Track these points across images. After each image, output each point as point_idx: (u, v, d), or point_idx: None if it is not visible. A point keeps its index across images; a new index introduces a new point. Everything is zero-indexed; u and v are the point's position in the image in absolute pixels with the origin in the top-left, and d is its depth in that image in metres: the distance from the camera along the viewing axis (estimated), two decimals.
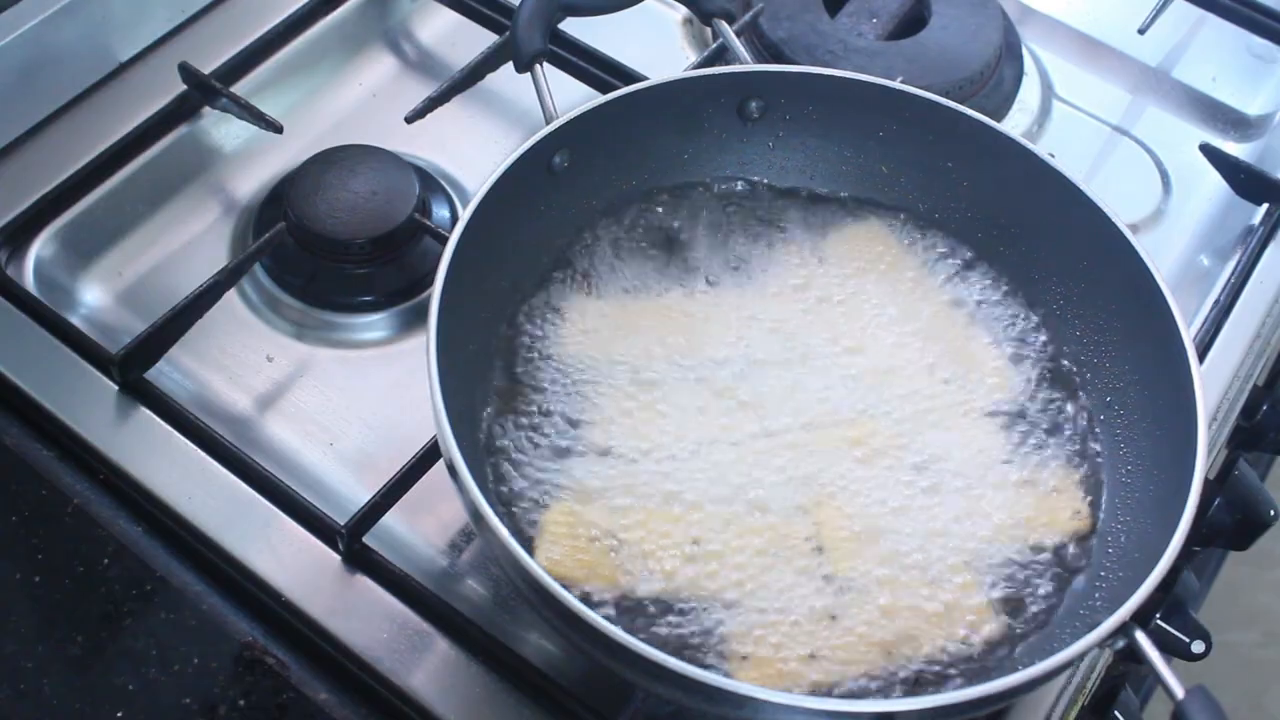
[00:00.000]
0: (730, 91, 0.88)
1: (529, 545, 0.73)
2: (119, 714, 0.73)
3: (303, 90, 1.05)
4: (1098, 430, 0.82)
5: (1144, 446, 0.79)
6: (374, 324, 0.93)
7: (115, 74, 1.02)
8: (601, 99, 0.84)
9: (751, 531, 0.75)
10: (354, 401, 0.88)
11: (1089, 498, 0.79)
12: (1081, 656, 0.65)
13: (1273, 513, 0.85)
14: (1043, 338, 0.85)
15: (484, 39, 1.06)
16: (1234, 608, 1.72)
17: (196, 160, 1.00)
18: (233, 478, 0.81)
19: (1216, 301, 0.97)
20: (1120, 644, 0.66)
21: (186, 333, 0.88)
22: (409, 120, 0.99)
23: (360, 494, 0.81)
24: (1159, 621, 0.82)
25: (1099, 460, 0.80)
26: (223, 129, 1.01)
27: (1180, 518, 0.68)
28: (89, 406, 0.84)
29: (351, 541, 0.78)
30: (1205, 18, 1.17)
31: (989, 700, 0.64)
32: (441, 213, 0.97)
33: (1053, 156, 0.83)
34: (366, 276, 0.93)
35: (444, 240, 0.76)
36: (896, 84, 0.87)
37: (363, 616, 0.77)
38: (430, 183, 0.99)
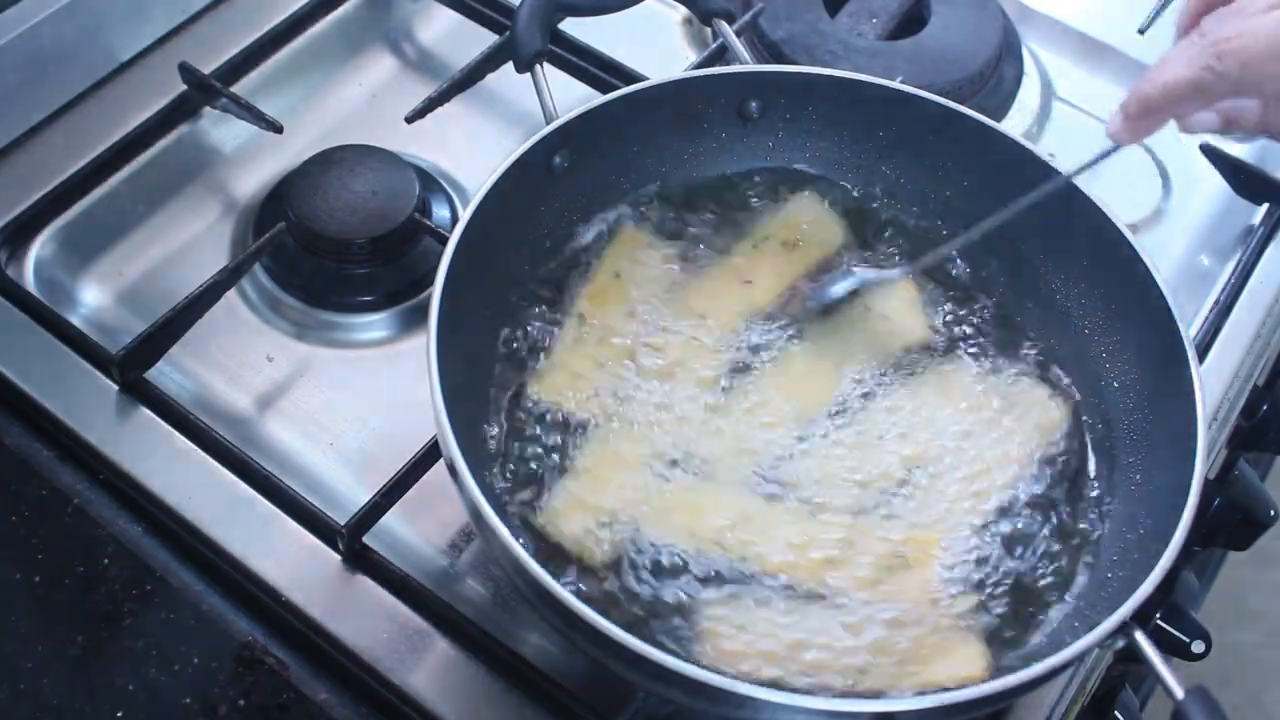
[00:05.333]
0: (730, 91, 0.88)
1: (527, 545, 0.73)
2: (119, 714, 0.73)
3: (303, 90, 1.05)
4: (1098, 429, 0.81)
5: (1144, 446, 0.79)
6: (374, 324, 0.93)
7: (115, 74, 1.02)
8: (601, 99, 0.84)
9: (742, 523, 0.75)
10: (354, 401, 0.88)
11: (1088, 496, 0.79)
12: (1081, 656, 0.65)
13: (1273, 513, 0.85)
14: (1042, 337, 0.85)
15: (484, 39, 1.06)
16: (1234, 608, 1.72)
17: (196, 160, 1.00)
18: (233, 478, 0.81)
19: (1216, 301, 0.97)
20: (1120, 644, 0.66)
21: (186, 333, 0.88)
22: (409, 120, 0.99)
23: (360, 494, 0.81)
24: (1159, 622, 0.82)
25: (1098, 459, 0.80)
26: (223, 129, 1.01)
27: (1180, 518, 0.68)
28: (89, 406, 0.84)
29: (351, 541, 0.78)
30: None
31: (989, 700, 0.64)
32: (441, 213, 0.97)
33: (1053, 156, 0.83)
34: (366, 276, 0.93)
35: (444, 240, 0.76)
36: (896, 84, 0.87)
37: (363, 616, 0.77)
38: (430, 183, 0.99)
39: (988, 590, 0.74)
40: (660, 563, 0.74)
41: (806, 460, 0.79)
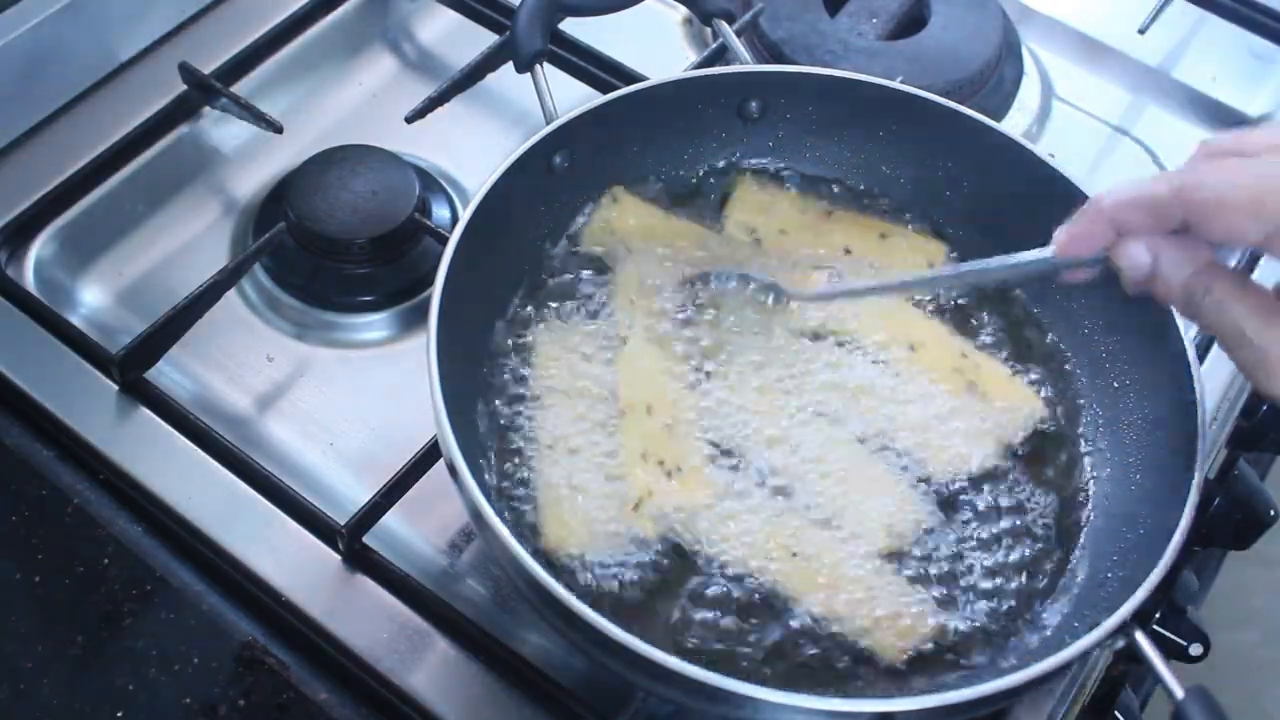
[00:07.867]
0: (730, 91, 0.88)
1: (527, 545, 0.73)
2: (119, 714, 0.73)
3: (303, 90, 1.05)
4: (1099, 429, 0.82)
5: (1144, 446, 0.79)
6: (374, 324, 0.93)
7: (115, 74, 1.02)
8: (602, 99, 0.84)
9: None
10: (354, 401, 0.88)
11: (1089, 495, 0.79)
12: (1081, 656, 0.65)
13: (1273, 513, 0.85)
14: (1042, 337, 0.85)
15: (484, 39, 1.06)
16: (1234, 608, 1.72)
17: (196, 160, 1.00)
18: (233, 478, 0.81)
19: None
20: (1120, 644, 0.66)
21: (186, 333, 0.88)
22: (409, 120, 0.99)
23: (360, 494, 0.81)
24: (1156, 626, 0.82)
25: (1099, 460, 0.80)
26: (223, 129, 1.01)
27: (1180, 518, 0.68)
28: (89, 406, 0.84)
29: (351, 541, 0.78)
30: (1205, 18, 1.17)
31: (989, 700, 0.64)
32: (441, 213, 0.97)
33: (1053, 156, 0.83)
34: (366, 276, 0.93)
35: (444, 240, 0.76)
36: (896, 84, 0.87)
37: (363, 616, 0.77)
38: (430, 183, 0.99)
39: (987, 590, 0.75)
40: None
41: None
